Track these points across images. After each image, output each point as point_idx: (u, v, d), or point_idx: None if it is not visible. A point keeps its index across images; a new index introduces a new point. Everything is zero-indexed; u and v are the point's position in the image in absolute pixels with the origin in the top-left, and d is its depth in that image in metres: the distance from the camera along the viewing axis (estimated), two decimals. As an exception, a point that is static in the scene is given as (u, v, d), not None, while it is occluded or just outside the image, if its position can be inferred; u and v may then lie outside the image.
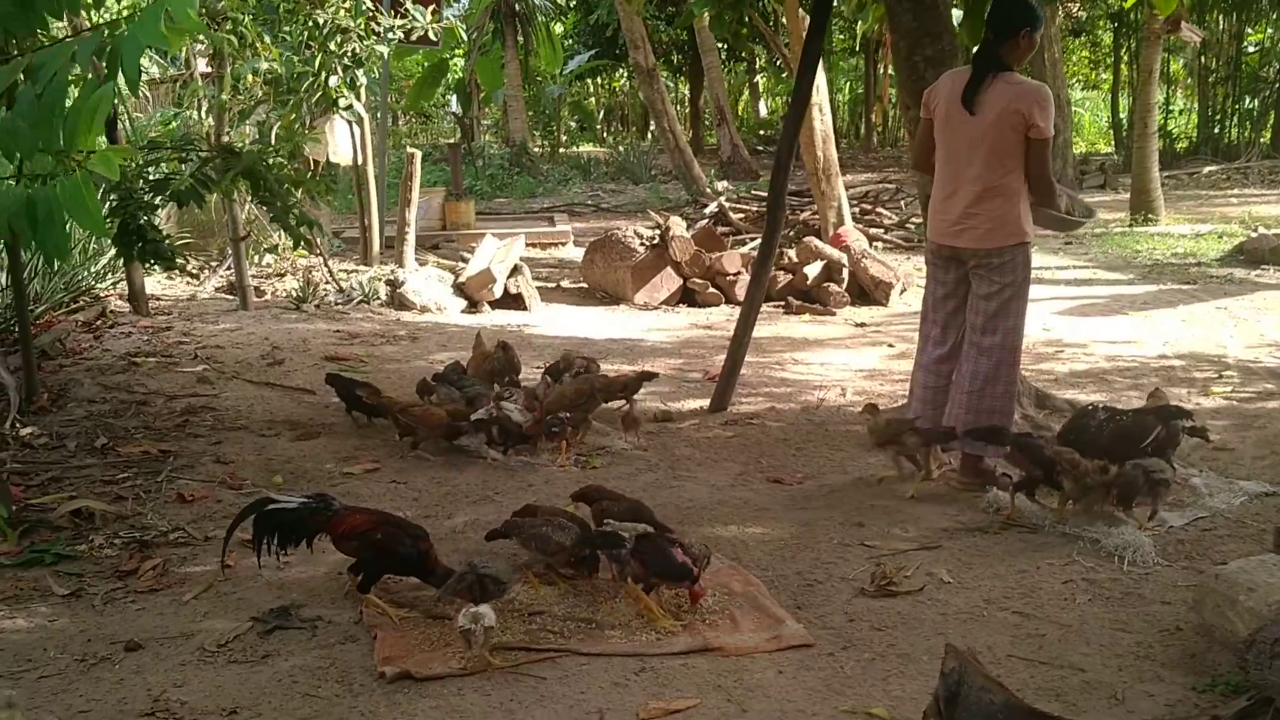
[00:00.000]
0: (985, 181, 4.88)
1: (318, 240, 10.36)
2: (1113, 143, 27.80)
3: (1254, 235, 12.11)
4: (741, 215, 13.58)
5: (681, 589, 3.76)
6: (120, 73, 2.81)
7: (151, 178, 6.40)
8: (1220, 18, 24.29)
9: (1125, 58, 26.72)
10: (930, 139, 5.15)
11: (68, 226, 3.09)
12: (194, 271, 10.66)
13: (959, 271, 5.13)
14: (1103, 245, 13.42)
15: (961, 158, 4.96)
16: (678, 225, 10.77)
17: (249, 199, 9.89)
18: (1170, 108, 26.48)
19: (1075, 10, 24.12)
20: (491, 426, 5.67)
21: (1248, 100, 25.32)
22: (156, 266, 9.04)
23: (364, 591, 3.86)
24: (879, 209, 14.17)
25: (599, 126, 37.07)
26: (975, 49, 5.18)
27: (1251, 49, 25.57)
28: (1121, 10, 20.55)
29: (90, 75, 2.90)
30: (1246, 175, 21.40)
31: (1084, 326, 8.94)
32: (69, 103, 2.83)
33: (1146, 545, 4.26)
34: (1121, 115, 26.33)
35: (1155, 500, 4.52)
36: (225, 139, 9.51)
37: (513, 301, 10.15)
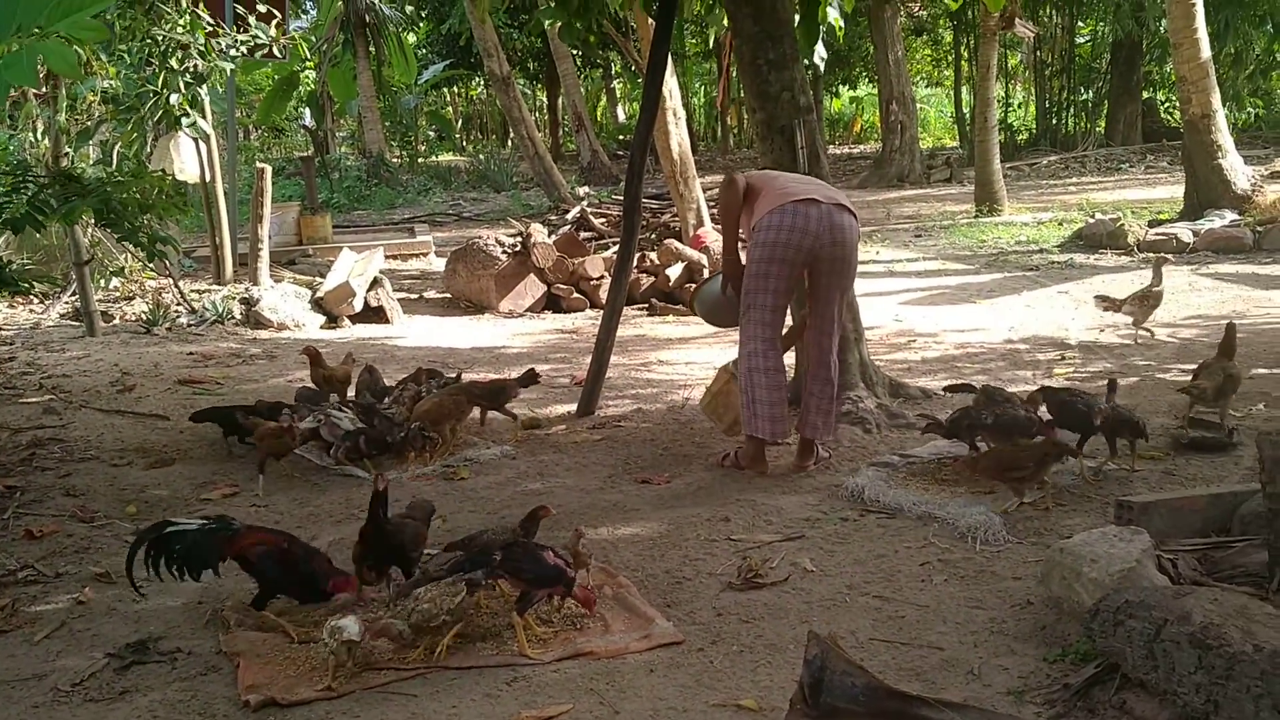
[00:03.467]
0: None
1: (168, 262, 10.06)
2: (957, 137, 28.79)
3: (1092, 221, 12.70)
4: (603, 220, 13.63)
5: (558, 594, 3.73)
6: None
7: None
8: (1053, 12, 25.36)
9: (965, 55, 27.73)
10: None
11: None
12: (40, 295, 10.24)
13: None
14: (950, 236, 13.89)
15: None
16: (539, 232, 10.78)
17: (92, 221, 9.56)
18: (1010, 101, 27.61)
19: (916, 10, 24.90)
20: (358, 438, 5.61)
21: (1083, 91, 26.51)
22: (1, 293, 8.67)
23: (259, 609, 3.79)
24: (737, 209, 14.38)
25: (458, 135, 36.77)
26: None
27: (1083, 41, 26.77)
28: (960, 9, 21.30)
29: None
30: (1084, 164, 22.40)
31: (933, 316, 9.25)
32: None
33: (997, 524, 4.43)
34: (965, 110, 27.29)
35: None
36: (64, 161, 9.16)
37: (374, 315, 10.01)
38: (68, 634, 3.87)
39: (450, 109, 38.39)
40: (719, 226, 12.26)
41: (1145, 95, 25.67)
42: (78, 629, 3.91)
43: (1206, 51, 12.50)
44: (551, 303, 10.56)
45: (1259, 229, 11.47)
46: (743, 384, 5.32)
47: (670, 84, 11.26)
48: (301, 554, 3.84)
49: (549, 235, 11.18)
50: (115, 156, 10.14)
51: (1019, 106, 28.98)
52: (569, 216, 13.96)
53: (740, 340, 5.36)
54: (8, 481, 5.45)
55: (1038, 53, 26.29)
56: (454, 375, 6.69)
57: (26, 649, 3.76)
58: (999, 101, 20.66)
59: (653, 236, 12.12)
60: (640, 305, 10.19)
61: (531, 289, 10.50)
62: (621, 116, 37.10)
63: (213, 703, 3.34)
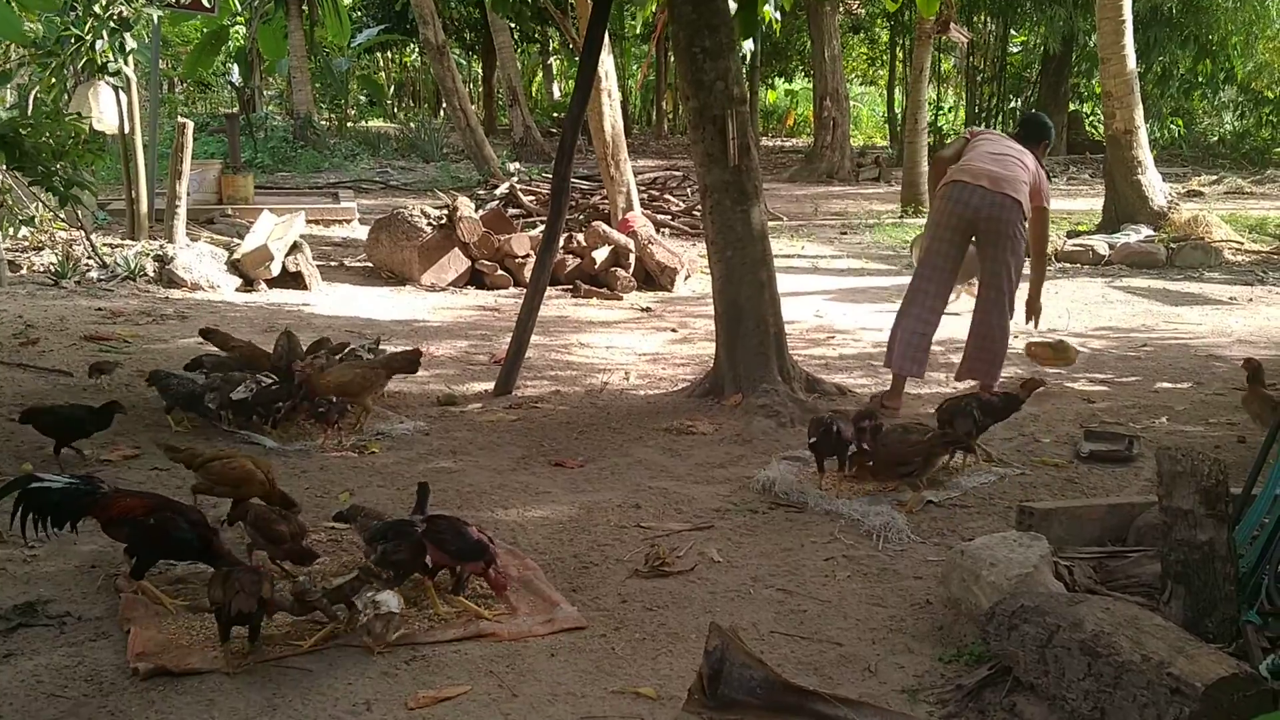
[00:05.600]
0: None
1: (80, 213, 9.77)
2: (888, 137, 29.10)
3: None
4: (532, 197, 13.57)
5: (478, 571, 3.68)
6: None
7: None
8: (988, 20, 25.73)
9: (900, 56, 28.01)
10: None
11: None
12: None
13: None
14: (874, 235, 14.05)
15: None
16: (466, 206, 10.67)
17: (1, 167, 9.24)
18: (941, 105, 27.95)
19: (855, 8, 25.09)
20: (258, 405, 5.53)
21: (1012, 99, 26.94)
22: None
23: (137, 578, 3.68)
24: (667, 195, 14.41)
25: (389, 102, 36.19)
26: None
27: (1015, 50, 27.20)
28: (897, 10, 21.51)
29: None
30: (1008, 171, 22.69)
31: (853, 313, 9.35)
32: None
33: (901, 523, 4.49)
34: (896, 111, 27.58)
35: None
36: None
37: (292, 280, 9.82)
38: (-49, 593, 3.75)
39: (383, 74, 37.77)
40: (648, 211, 12.31)
41: (1072, 108, 26.18)
42: (-38, 589, 3.78)
43: (1133, 67, 12.78)
44: (475, 278, 10.47)
45: (1172, 245, 11.77)
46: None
47: (607, 64, 11.20)
48: (179, 521, 3.68)
49: (476, 210, 11.07)
50: (32, 101, 9.80)
51: (949, 110, 29.35)
52: (498, 192, 13.87)
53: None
54: (-103, 432, 5.26)
55: (971, 59, 26.64)
56: (373, 343, 6.59)
57: (-94, 607, 3.63)
58: (930, 104, 20.89)
59: (581, 218, 12.09)
60: (565, 286, 10.15)
61: (455, 263, 10.40)
62: (557, 94, 36.88)
63: (100, 669, 3.26)
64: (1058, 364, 7.06)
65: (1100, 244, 11.99)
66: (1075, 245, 12.08)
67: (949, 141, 6.97)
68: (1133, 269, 11.47)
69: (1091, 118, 26.49)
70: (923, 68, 16.30)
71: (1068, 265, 11.66)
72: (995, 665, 3.22)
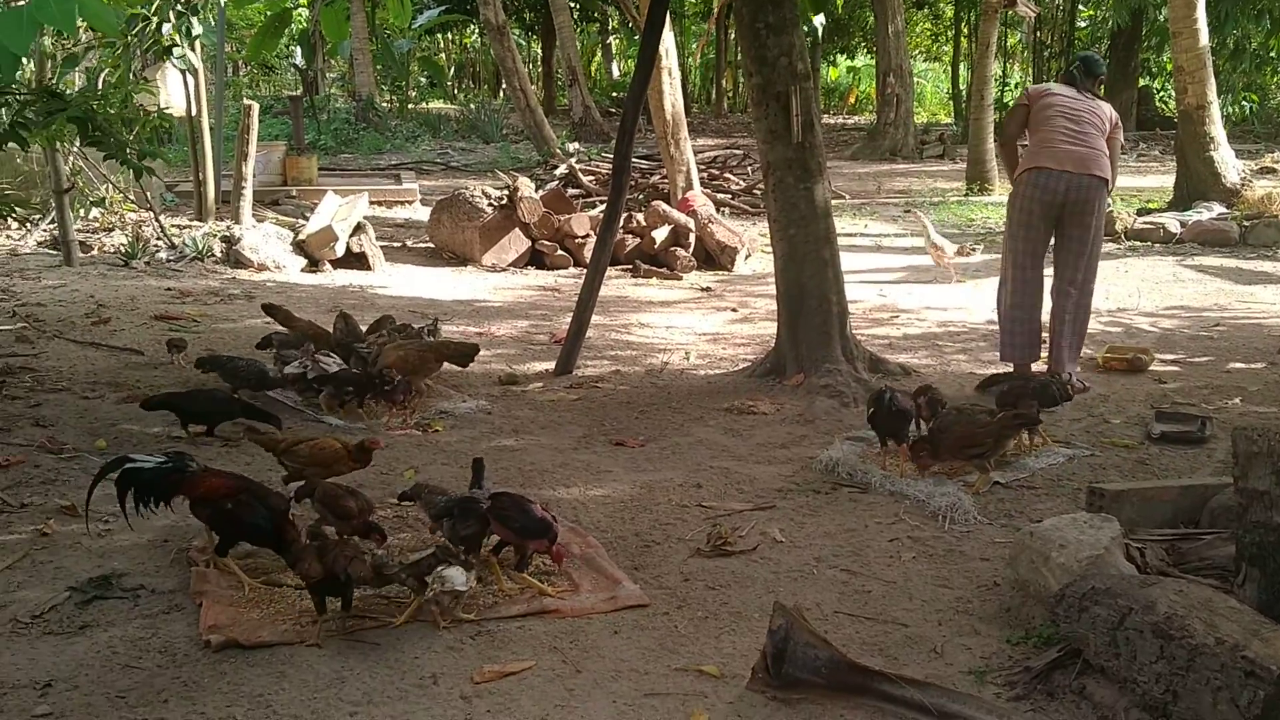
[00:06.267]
0: None
1: (149, 195, 9.94)
2: (952, 114, 28.70)
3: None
4: (592, 177, 13.56)
5: (542, 548, 3.70)
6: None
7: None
8: (1055, -7, 25.26)
9: (965, 31, 27.59)
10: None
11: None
12: (20, 220, 10.11)
13: None
14: (939, 214, 13.86)
15: None
16: (526, 186, 10.69)
17: (74, 149, 9.42)
18: (1007, 81, 27.47)
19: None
20: (330, 384, 5.58)
21: (1079, 75, 26.38)
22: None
23: (221, 555, 3.75)
24: (727, 174, 14.33)
25: (450, 83, 36.37)
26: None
27: (1083, 24, 26.67)
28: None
29: None
30: (1076, 148, 22.27)
31: (918, 293, 9.24)
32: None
33: (967, 504, 4.44)
34: (961, 87, 27.18)
35: None
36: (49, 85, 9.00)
37: (355, 261, 9.92)
38: (30, 565, 3.84)
39: (443, 56, 37.96)
40: (708, 190, 12.27)
41: (1141, 83, 25.62)
42: (40, 561, 3.87)
43: (1205, 42, 12.46)
44: (535, 259, 10.50)
45: (1245, 223, 11.47)
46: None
47: (667, 43, 11.15)
48: (255, 500, 3.72)
49: (536, 190, 11.09)
50: (101, 85, 9.96)
51: (1015, 86, 28.83)
52: (557, 172, 13.88)
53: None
54: (-24, 409, 5.40)
55: (1038, 33, 26.17)
56: (429, 324, 6.63)
57: (-13, 579, 3.73)
58: (996, 80, 20.54)
59: (640, 197, 12.07)
60: (624, 266, 10.14)
61: (516, 244, 10.43)
62: (616, 73, 36.78)
63: (174, 641, 3.33)
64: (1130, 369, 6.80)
65: (1171, 222, 11.72)
66: (1145, 223, 11.82)
67: (1010, 114, 6.77)
68: (1204, 247, 11.20)
69: (1161, 93, 25.91)
70: (989, 43, 16.03)
71: (1137, 243, 11.41)
72: (1064, 648, 3.17)
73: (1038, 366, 6.32)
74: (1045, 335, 6.35)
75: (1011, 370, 6.27)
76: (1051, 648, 3.24)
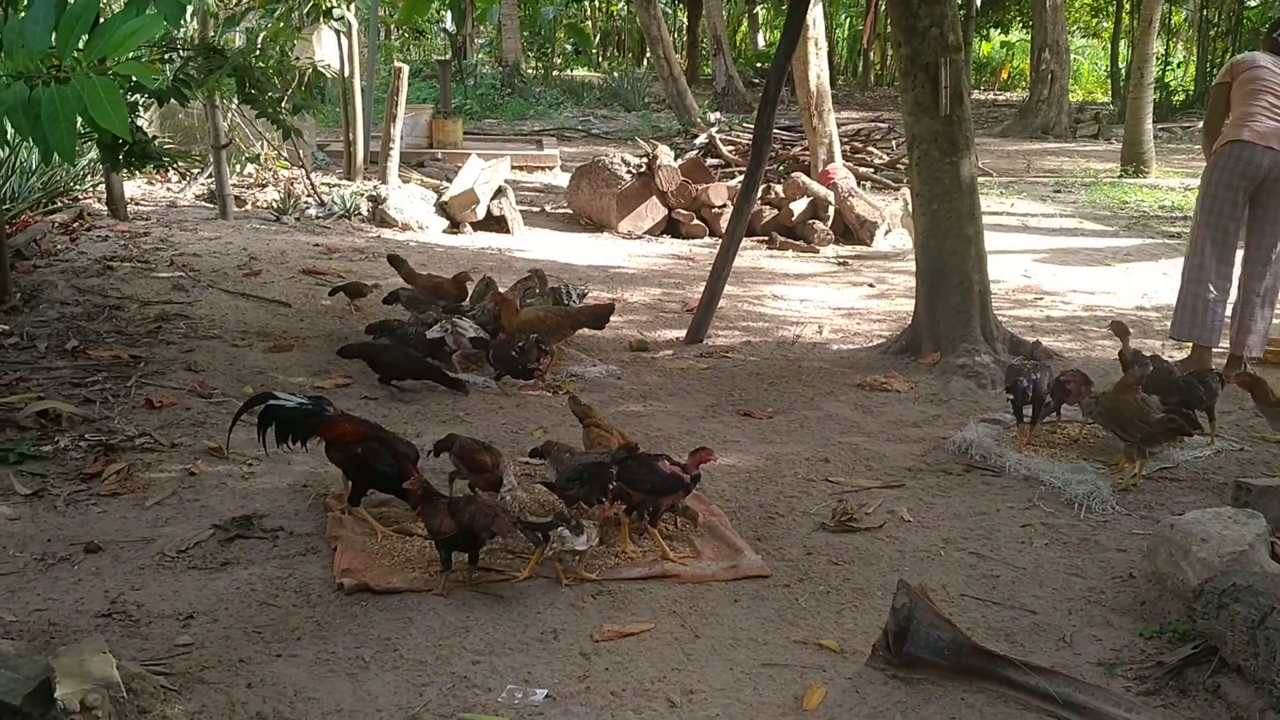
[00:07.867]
0: None
1: (300, 152, 10.25)
2: (1109, 92, 27.61)
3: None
4: (732, 148, 13.47)
5: (678, 500, 3.74)
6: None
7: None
8: (1225, -31, 24.05)
9: (1126, 6, 26.45)
10: None
11: (77, 126, 3.19)
12: (183, 171, 10.55)
13: None
14: (1090, 195, 13.39)
15: None
16: (665, 155, 10.69)
17: (231, 106, 9.76)
18: (1169, 60, 26.30)
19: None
20: (487, 350, 5.67)
21: (1248, 55, 25.13)
22: (142, 169, 8.96)
23: (354, 504, 3.86)
24: (870, 148, 14.06)
25: (594, 51, 36.52)
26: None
27: (1253, 3, 25.33)
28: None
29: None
30: (1240, 132, 21.25)
31: (1064, 275, 8.95)
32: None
33: (1105, 492, 4.30)
34: (1120, 65, 26.12)
35: None
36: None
37: (495, 224, 10.07)
38: (177, 502, 4.02)
39: (589, 23, 38.12)
40: (850, 164, 12.07)
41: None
42: (187, 499, 4.06)
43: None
44: (671, 227, 10.50)
45: None
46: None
47: (814, 13, 10.97)
48: (384, 454, 3.81)
49: (675, 159, 11.08)
50: (260, 45, 10.29)
51: (1178, 66, 27.59)
52: (697, 142, 13.81)
53: None
54: (133, 351, 5.67)
55: (1204, 10, 24.95)
56: (580, 292, 6.67)
57: (138, 513, 3.92)
58: (1157, 59, 19.70)
59: (780, 169, 11.94)
60: (760, 238, 10.06)
61: (652, 211, 10.45)
62: (761, 43, 36.40)
63: (309, 582, 3.45)
64: None
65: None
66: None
67: (1212, 96, 6.38)
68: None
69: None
70: (1151, 19, 15.33)
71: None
72: (1200, 644, 3.06)
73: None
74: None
75: (1188, 356, 6.01)
76: (1186, 644, 3.13)
